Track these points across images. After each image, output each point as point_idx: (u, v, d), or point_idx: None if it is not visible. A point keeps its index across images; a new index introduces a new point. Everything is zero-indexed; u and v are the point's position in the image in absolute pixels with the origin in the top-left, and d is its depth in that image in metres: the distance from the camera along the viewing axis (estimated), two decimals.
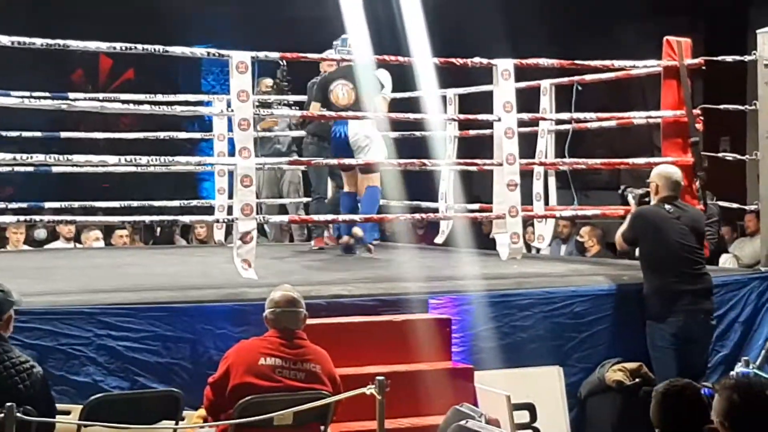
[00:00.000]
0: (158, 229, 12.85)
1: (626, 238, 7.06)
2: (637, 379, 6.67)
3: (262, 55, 7.04)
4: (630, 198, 7.38)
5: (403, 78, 9.08)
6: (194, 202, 11.11)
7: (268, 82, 10.04)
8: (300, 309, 5.47)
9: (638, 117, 8.59)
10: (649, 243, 6.86)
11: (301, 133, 9.55)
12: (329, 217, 8.44)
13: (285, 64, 8.97)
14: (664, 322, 6.67)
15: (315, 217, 8.55)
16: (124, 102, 9.00)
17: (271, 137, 10.35)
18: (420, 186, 8.89)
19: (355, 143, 8.27)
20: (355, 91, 8.26)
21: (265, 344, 5.36)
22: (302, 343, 5.42)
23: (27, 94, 8.97)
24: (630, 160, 8.38)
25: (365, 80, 8.19)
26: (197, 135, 12.15)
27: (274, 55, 7.24)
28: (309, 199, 9.72)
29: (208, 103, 11.11)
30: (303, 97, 9.51)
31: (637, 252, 7.19)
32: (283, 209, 10.80)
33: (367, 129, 8.28)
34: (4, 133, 9.72)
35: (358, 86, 8.22)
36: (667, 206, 6.88)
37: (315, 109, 8.30)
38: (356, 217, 8.16)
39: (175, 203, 10.38)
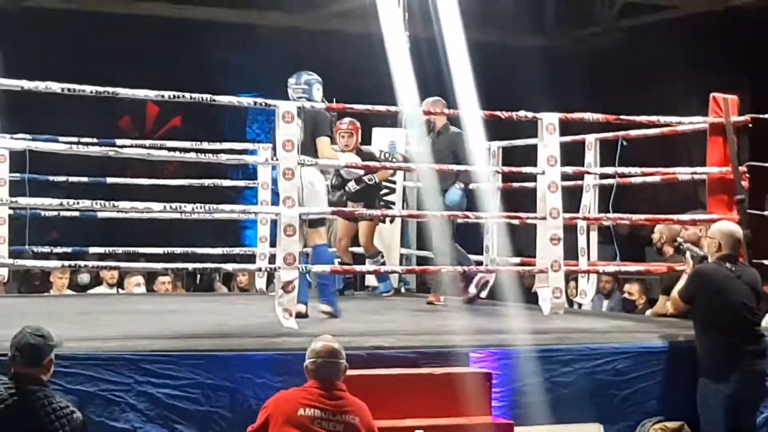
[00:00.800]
0: (199, 276, 12.90)
1: (684, 297, 6.90)
2: None
3: (308, 104, 7.08)
4: (688, 255, 7.28)
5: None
6: (236, 250, 11.15)
7: None
8: (341, 360, 5.46)
9: (683, 173, 8.56)
10: (709, 302, 6.71)
11: None
12: (371, 267, 8.43)
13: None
14: (720, 382, 6.56)
15: (357, 268, 8.55)
16: (170, 149, 9.09)
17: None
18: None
19: None
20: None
21: (304, 395, 5.35)
22: (342, 394, 5.41)
23: (75, 140, 9.07)
24: (675, 216, 8.33)
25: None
26: (241, 183, 12.21)
27: (320, 105, 7.28)
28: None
29: (252, 152, 11.18)
30: None
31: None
32: None
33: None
34: (51, 178, 9.83)
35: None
36: (728, 264, 6.79)
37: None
38: (396, 268, 8.14)
39: (218, 250, 10.43)
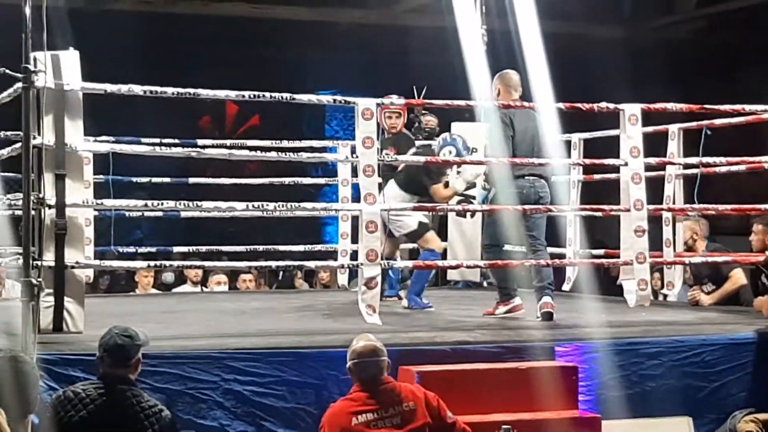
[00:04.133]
0: (281, 274, 12.97)
1: None
2: None
3: (387, 101, 7.08)
4: None
5: None
6: (318, 247, 11.19)
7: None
8: (382, 357, 5.45)
9: None
10: None
11: None
12: (429, 262, 8.38)
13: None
14: None
15: (432, 263, 8.52)
16: (250, 149, 9.14)
17: None
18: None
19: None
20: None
21: (352, 403, 5.35)
22: (389, 387, 5.39)
23: (157, 141, 9.18)
24: (762, 206, 8.20)
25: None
26: (321, 181, 12.26)
27: (400, 101, 7.28)
28: None
29: (332, 149, 11.21)
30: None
31: None
32: None
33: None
34: (134, 179, 9.95)
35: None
36: None
37: None
38: (478, 263, 8.11)
39: (299, 248, 10.48)
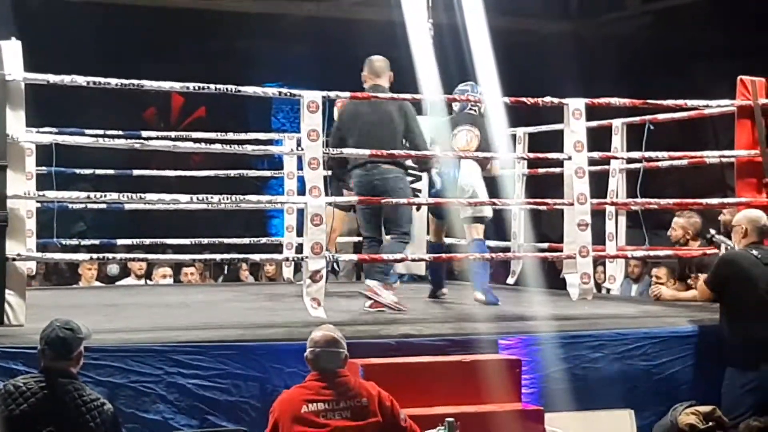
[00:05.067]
0: (226, 267, 12.93)
1: (712, 285, 6.89)
2: (710, 423, 6.50)
3: (332, 94, 7.08)
4: (723, 249, 7.26)
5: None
6: (263, 240, 11.17)
7: None
8: (341, 349, 5.42)
9: (711, 156, 8.51)
10: (737, 289, 6.69)
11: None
12: (398, 255, 8.40)
13: None
14: (748, 370, 6.52)
15: (385, 256, 8.52)
16: (195, 141, 9.10)
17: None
18: (492, 225, 8.84)
19: (461, 189, 8.11)
20: (479, 140, 8.15)
21: (305, 391, 5.33)
22: (344, 380, 5.38)
23: (101, 132, 9.11)
24: (704, 201, 8.28)
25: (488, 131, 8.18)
26: (267, 173, 12.23)
27: (345, 94, 7.27)
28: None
29: (278, 142, 11.18)
30: None
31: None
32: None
33: (475, 177, 8.16)
34: (77, 171, 9.87)
35: (483, 136, 8.16)
36: (754, 251, 6.76)
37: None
38: (425, 257, 8.12)
39: (245, 240, 10.45)
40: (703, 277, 7.04)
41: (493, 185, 8.47)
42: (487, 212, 8.18)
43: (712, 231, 7.74)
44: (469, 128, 8.19)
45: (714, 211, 8.59)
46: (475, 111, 8.24)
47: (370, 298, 7.41)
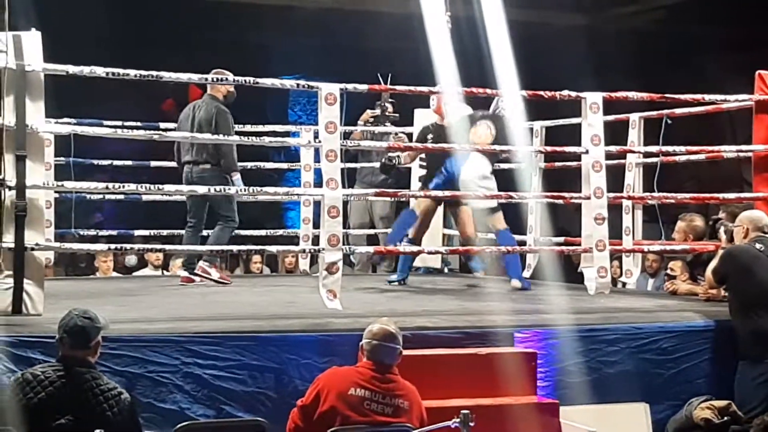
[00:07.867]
0: (242, 258, 12.94)
1: (716, 278, 6.96)
2: (725, 418, 6.52)
3: (350, 86, 7.08)
4: (722, 232, 7.29)
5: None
6: (280, 232, 11.19)
7: (376, 111, 10.24)
8: (396, 345, 5.47)
9: (728, 151, 8.50)
10: (741, 282, 6.74)
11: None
12: (414, 248, 8.43)
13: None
14: (758, 363, 6.55)
15: (401, 248, 8.54)
16: (213, 132, 9.11)
17: (367, 168, 10.51)
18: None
19: (464, 184, 8.25)
20: (494, 138, 8.39)
21: (358, 374, 5.37)
22: (394, 378, 5.42)
23: (119, 123, 9.13)
24: (720, 195, 8.27)
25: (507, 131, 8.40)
26: (284, 165, 12.25)
27: (363, 87, 7.28)
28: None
29: (295, 134, 11.19)
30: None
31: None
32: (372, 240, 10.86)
33: (483, 172, 8.32)
34: (96, 162, 9.90)
35: (500, 134, 8.36)
36: (757, 245, 6.78)
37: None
38: (440, 249, 8.11)
39: (261, 232, 10.47)
40: (710, 267, 7.04)
41: (508, 178, 8.53)
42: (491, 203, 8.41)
43: (714, 217, 7.75)
44: (489, 123, 8.32)
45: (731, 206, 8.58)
46: (499, 112, 8.48)
47: (202, 276, 8.57)
